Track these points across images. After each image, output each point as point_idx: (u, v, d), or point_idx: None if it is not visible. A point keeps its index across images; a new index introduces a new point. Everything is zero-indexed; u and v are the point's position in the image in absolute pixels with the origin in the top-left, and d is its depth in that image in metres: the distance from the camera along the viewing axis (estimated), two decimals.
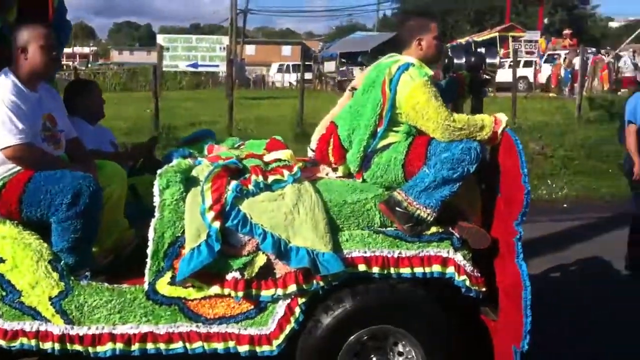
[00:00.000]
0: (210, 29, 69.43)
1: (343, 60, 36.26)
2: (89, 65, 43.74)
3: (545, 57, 29.09)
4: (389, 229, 3.18)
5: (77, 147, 3.61)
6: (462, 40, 33.94)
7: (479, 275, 3.14)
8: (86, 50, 58.74)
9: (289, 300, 3.06)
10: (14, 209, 3.12)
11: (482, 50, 3.73)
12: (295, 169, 3.31)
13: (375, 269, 3.09)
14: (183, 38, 21.20)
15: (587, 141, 11.67)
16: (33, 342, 3.05)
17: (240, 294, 3.02)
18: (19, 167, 3.18)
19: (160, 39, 20.80)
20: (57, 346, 3.05)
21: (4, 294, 3.06)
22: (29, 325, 3.05)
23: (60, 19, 4.03)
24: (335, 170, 3.54)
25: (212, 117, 16.18)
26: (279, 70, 42.38)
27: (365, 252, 3.10)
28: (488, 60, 3.70)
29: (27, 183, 3.12)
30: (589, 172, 10.49)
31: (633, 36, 34.10)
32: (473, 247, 3.16)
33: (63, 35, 4.06)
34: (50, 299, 3.05)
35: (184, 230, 3.04)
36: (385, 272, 3.10)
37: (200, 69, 23.74)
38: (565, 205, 8.96)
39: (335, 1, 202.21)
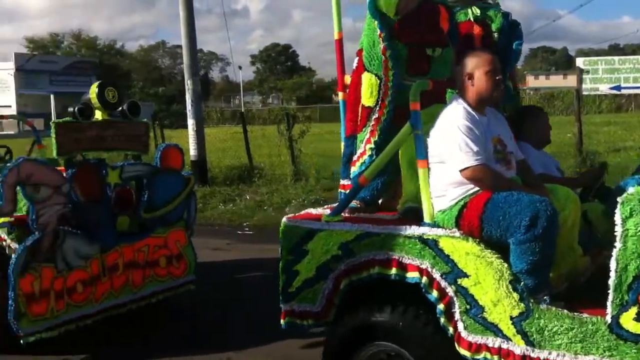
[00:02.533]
0: (631, 48, 64.87)
1: None
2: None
3: None
4: None
5: (526, 170, 3.66)
6: None
7: None
8: None
9: None
10: (474, 228, 3.27)
11: None
12: None
13: None
14: (604, 60, 20.26)
15: None
16: (495, 357, 3.13)
17: None
18: (477, 188, 3.35)
19: (580, 61, 20.25)
20: None
21: (468, 307, 3.20)
22: (491, 340, 3.14)
23: (507, 43, 4.18)
24: None
25: (638, 142, 14.96)
26: None
27: None
28: None
29: (487, 203, 3.24)
30: None
31: None
32: None
33: (509, 59, 4.22)
34: (511, 318, 3.09)
35: None
36: None
37: (623, 91, 22.32)
38: None
39: None
